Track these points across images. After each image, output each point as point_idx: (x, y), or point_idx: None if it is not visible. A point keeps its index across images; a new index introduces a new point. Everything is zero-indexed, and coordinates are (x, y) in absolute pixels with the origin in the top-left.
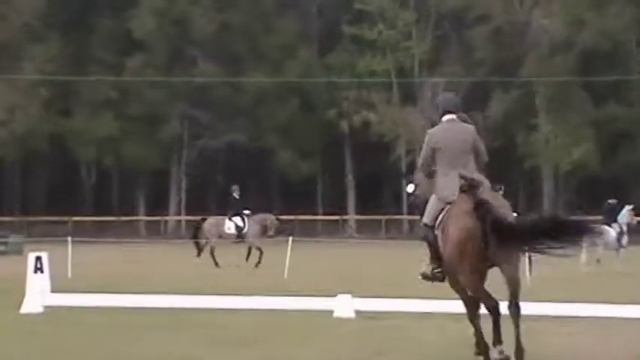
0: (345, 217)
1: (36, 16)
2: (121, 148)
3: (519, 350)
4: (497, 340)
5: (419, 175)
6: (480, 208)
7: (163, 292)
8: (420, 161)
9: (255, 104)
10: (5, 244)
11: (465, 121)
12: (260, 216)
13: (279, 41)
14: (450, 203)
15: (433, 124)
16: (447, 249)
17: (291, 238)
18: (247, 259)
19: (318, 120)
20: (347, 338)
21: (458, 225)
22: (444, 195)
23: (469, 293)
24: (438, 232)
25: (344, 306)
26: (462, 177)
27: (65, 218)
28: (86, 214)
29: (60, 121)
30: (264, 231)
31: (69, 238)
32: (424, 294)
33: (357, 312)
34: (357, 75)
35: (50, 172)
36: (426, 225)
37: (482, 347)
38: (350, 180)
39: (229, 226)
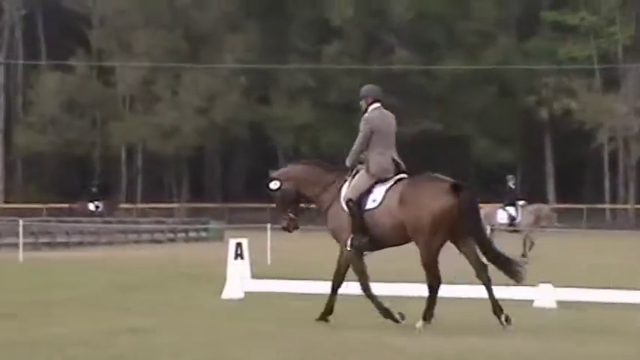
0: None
1: (235, 5)
2: (319, 136)
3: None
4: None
5: (354, 157)
6: (459, 188)
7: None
8: (358, 147)
9: (450, 91)
10: (206, 230)
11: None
12: (535, 206)
13: (477, 27)
14: (381, 180)
15: (637, 112)
16: (419, 221)
17: (489, 227)
18: (524, 253)
19: (516, 107)
20: (548, 328)
21: (439, 201)
22: (378, 172)
23: (427, 263)
24: (391, 201)
25: (545, 296)
26: (393, 160)
27: (264, 205)
28: None
29: (259, 108)
30: (537, 221)
31: (268, 225)
32: (629, 284)
33: (559, 302)
34: (557, 61)
35: (249, 160)
36: (351, 200)
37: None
38: (549, 168)
39: (502, 215)
